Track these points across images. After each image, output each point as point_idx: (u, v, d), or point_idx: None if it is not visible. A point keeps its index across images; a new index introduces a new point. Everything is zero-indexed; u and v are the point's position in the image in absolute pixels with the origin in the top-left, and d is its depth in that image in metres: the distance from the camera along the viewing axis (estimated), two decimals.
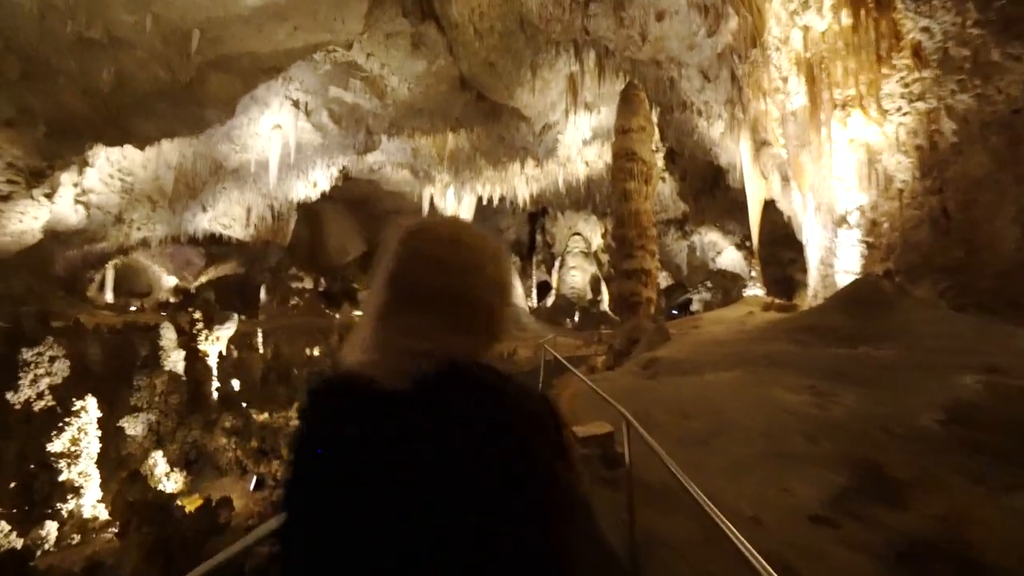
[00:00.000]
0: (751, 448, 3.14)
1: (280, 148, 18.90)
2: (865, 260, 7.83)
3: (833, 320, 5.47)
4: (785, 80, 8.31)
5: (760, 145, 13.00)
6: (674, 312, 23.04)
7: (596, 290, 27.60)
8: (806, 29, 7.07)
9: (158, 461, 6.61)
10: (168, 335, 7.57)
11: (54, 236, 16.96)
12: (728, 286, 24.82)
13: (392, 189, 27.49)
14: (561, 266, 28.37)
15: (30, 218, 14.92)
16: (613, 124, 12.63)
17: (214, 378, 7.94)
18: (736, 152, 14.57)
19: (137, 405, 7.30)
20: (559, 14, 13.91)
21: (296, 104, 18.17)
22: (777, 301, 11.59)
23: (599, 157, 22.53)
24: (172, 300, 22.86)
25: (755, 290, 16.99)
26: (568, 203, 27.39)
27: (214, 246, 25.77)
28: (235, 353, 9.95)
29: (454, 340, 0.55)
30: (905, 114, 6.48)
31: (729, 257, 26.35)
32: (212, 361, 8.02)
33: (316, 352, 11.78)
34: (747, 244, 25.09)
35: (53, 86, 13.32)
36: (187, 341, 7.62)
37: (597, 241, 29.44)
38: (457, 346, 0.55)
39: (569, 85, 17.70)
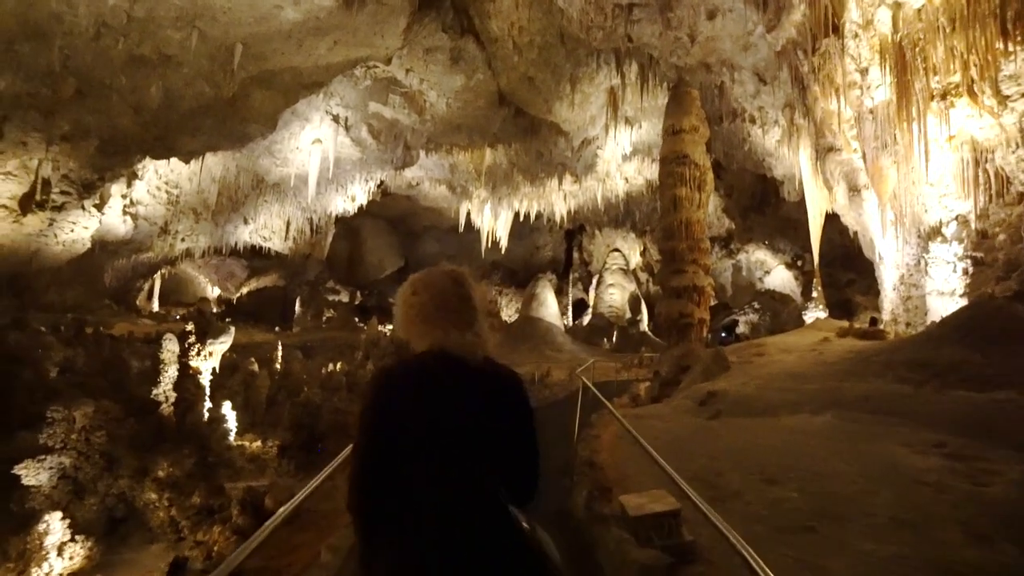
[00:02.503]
0: (886, 544, 2.13)
1: (319, 162, 19.09)
2: (971, 279, 6.51)
3: (951, 354, 4.30)
4: (864, 72, 7.20)
5: (825, 152, 11.72)
6: (723, 335, 21.38)
7: (636, 309, 26.25)
8: (897, 6, 6.01)
9: (52, 526, 4.87)
10: (170, 347, 6.97)
11: (103, 246, 17.61)
12: (777, 308, 23.31)
13: (430, 205, 27.49)
14: (599, 284, 27.27)
15: (80, 228, 15.51)
16: (661, 127, 11.64)
17: (206, 399, 7.22)
18: (794, 161, 13.32)
19: (47, 444, 5.69)
20: (601, 21, 13.28)
21: (336, 119, 18.36)
22: (856, 326, 10.09)
23: (639, 173, 21.68)
24: (215, 311, 23.45)
25: (817, 312, 15.34)
26: (606, 220, 26.46)
27: (256, 259, 26.38)
28: (254, 367, 9.39)
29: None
30: None
31: (778, 277, 24.61)
32: (206, 379, 7.33)
33: (337, 368, 11.07)
34: (799, 263, 23.38)
35: (105, 103, 13.84)
36: (178, 356, 6.99)
37: (636, 259, 28.28)
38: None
39: (609, 99, 17.11)
